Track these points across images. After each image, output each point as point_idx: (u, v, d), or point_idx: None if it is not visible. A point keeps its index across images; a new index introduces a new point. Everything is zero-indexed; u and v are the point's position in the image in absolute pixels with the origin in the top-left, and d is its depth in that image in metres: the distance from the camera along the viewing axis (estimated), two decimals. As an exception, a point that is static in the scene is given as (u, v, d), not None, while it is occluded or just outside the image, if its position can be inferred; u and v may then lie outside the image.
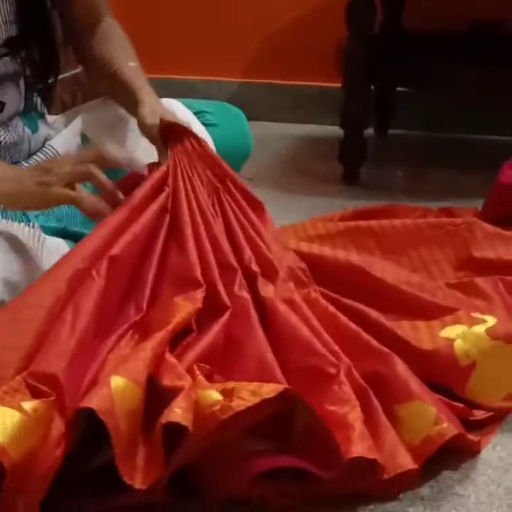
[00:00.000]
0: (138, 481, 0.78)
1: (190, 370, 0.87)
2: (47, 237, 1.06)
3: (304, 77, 2.21)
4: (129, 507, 0.82)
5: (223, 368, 0.92)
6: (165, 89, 1.59)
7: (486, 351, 0.99)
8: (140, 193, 1.03)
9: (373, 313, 1.03)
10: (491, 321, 1.02)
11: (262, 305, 0.99)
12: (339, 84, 1.80)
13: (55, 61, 1.19)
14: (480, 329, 1.00)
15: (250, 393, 0.81)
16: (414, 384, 0.93)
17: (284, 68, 2.23)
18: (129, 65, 1.19)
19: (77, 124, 1.22)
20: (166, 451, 0.80)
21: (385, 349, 0.97)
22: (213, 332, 0.94)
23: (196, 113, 1.24)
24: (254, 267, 1.02)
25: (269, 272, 1.03)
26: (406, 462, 0.86)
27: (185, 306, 0.95)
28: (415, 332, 1.02)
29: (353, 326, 1.00)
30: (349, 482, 0.85)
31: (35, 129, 1.20)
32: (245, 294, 0.99)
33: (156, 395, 0.83)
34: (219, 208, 1.08)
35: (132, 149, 1.18)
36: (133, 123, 1.16)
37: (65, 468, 0.78)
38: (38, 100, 1.21)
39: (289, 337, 0.96)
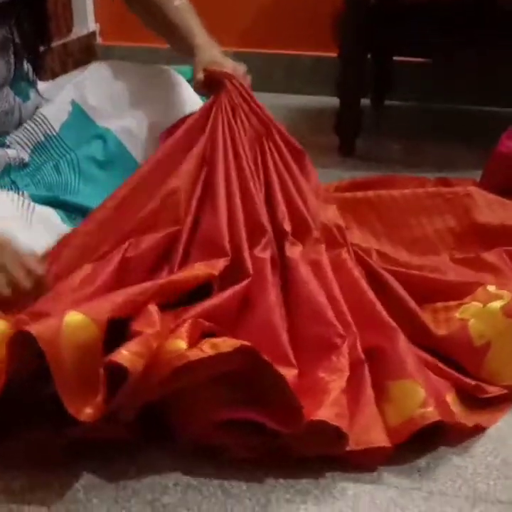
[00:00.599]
0: (84, 415, 0.78)
1: (179, 323, 0.87)
2: (37, 205, 1.05)
3: (300, 46, 2.18)
4: (102, 446, 0.83)
5: (232, 327, 0.93)
6: (158, 58, 1.57)
7: (500, 331, 0.97)
8: (180, 134, 1.06)
9: (401, 291, 1.03)
10: (506, 296, 1.00)
11: (286, 265, 1.00)
12: (335, 54, 1.78)
13: (45, 29, 1.17)
14: (495, 307, 0.99)
15: (210, 346, 0.82)
16: (411, 363, 0.92)
17: (279, 37, 2.20)
18: (175, 6, 1.21)
19: (68, 91, 1.20)
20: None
21: (393, 324, 0.96)
22: (223, 295, 0.94)
23: (190, 80, 1.22)
24: (286, 226, 1.03)
25: (301, 231, 1.03)
26: (379, 439, 0.86)
27: (196, 270, 0.95)
28: (434, 315, 1.01)
29: (370, 294, 1.00)
30: (314, 445, 0.84)
31: (25, 98, 1.18)
32: (265, 255, 0.99)
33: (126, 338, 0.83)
34: (261, 159, 1.07)
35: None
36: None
37: (18, 396, 0.78)
38: (29, 69, 1.19)
39: (305, 302, 0.96)
